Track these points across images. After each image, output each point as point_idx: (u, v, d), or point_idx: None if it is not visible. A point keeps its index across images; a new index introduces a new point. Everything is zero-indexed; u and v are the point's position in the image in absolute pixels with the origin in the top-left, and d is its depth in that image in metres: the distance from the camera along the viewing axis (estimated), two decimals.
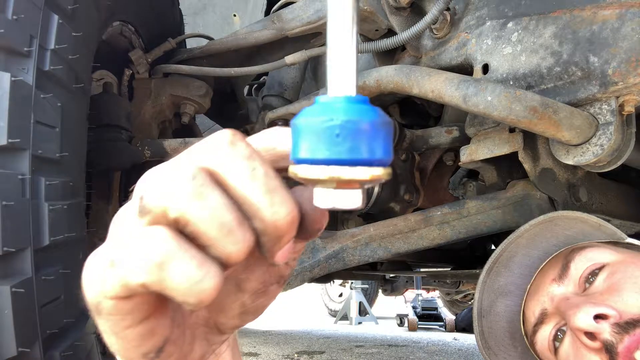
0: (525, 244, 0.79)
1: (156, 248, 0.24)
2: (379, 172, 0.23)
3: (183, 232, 0.25)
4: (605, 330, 0.59)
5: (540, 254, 0.78)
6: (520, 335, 0.75)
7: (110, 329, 0.28)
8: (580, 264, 0.68)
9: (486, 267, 0.80)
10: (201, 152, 0.27)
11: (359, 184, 0.24)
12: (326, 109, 0.23)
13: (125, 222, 0.27)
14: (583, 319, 0.60)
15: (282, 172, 0.29)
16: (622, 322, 0.59)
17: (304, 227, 0.29)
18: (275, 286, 0.35)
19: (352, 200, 0.25)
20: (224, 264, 0.26)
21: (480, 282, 0.80)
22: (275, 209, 0.26)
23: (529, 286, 0.75)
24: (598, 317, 0.60)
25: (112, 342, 0.28)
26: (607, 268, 0.66)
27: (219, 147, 0.26)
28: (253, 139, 0.29)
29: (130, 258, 0.25)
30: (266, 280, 0.34)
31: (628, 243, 0.75)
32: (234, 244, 0.25)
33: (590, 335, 0.60)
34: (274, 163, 0.29)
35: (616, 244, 0.74)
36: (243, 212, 0.26)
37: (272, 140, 0.29)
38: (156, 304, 0.27)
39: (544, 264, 0.75)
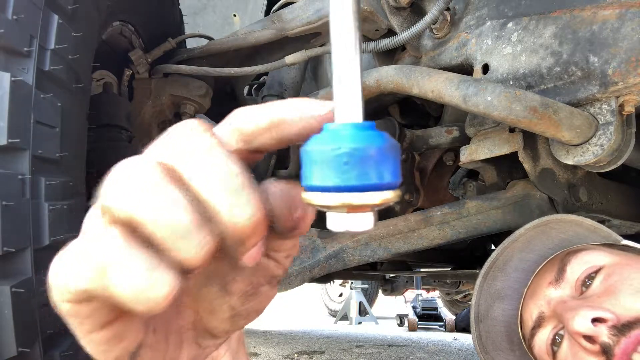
0: (520, 247, 0.79)
1: (99, 251, 0.23)
2: (389, 195, 0.23)
3: (139, 235, 0.23)
4: (603, 334, 0.60)
5: (536, 258, 0.78)
6: (518, 339, 0.75)
7: (76, 331, 0.26)
8: (577, 267, 0.69)
9: (482, 271, 0.80)
10: (162, 145, 0.25)
11: (370, 207, 0.24)
12: (334, 136, 0.24)
13: (89, 222, 0.26)
14: (581, 322, 0.61)
15: (257, 152, 0.27)
16: (619, 324, 0.60)
17: (277, 226, 0.27)
18: (267, 287, 0.32)
19: (364, 223, 0.25)
20: (182, 269, 0.23)
21: (477, 286, 0.80)
22: (235, 211, 0.23)
23: (525, 290, 0.75)
24: (596, 320, 0.60)
25: (83, 344, 0.27)
26: (603, 271, 0.66)
27: (179, 140, 0.24)
28: (221, 124, 0.27)
29: (74, 261, 0.23)
30: (255, 282, 0.32)
31: (624, 245, 0.76)
32: (190, 248, 0.23)
33: (589, 339, 0.61)
34: (247, 144, 0.26)
35: (612, 246, 0.75)
36: (204, 213, 0.23)
37: (240, 121, 0.26)
38: (119, 307, 0.24)
39: (539, 267, 0.75)
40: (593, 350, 0.61)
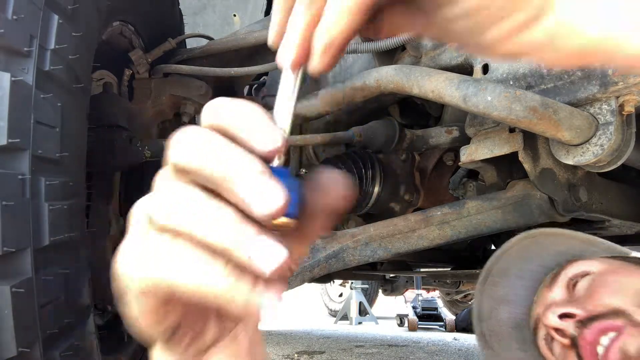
0: (516, 256, 0.86)
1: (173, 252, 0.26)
2: (284, 220, 0.27)
3: (205, 183, 0.26)
4: (570, 327, 0.68)
5: (536, 267, 0.84)
6: (530, 340, 0.80)
7: (132, 310, 0.30)
8: (570, 272, 0.75)
9: (481, 278, 0.88)
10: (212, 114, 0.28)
11: (272, 226, 0.27)
12: None
13: (160, 179, 0.29)
14: (550, 317, 0.70)
15: None
16: (585, 318, 0.67)
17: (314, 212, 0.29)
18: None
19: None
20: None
21: (477, 290, 0.87)
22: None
23: (534, 297, 0.80)
24: (565, 315, 0.68)
25: (133, 321, 0.31)
26: (591, 275, 0.72)
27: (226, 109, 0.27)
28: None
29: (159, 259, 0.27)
30: None
31: (625, 256, 0.80)
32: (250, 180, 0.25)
33: (560, 332, 0.69)
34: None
35: (614, 257, 0.78)
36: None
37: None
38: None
39: (548, 277, 0.80)
40: (564, 342, 0.69)
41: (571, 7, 0.27)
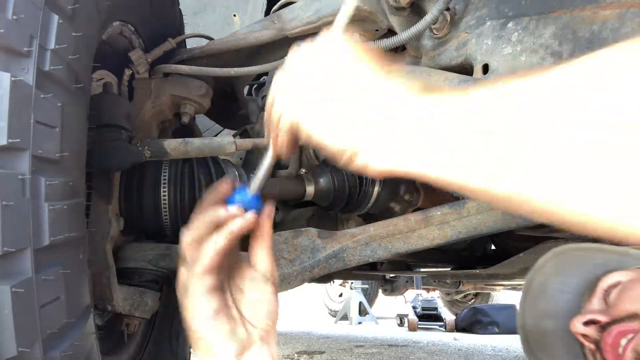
0: (554, 272, 0.93)
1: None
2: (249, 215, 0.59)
3: None
4: (593, 332, 0.74)
5: (578, 281, 0.89)
6: (578, 352, 0.85)
7: (198, 264, 0.56)
8: (605, 284, 0.80)
9: (522, 294, 0.95)
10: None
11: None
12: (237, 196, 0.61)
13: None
14: (575, 325, 0.76)
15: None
16: (606, 323, 0.72)
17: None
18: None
19: None
20: None
21: (520, 305, 0.94)
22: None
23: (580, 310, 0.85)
24: (590, 322, 0.75)
25: (197, 275, 0.57)
26: (621, 284, 0.78)
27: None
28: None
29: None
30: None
31: None
32: None
33: (587, 338, 0.75)
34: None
35: None
36: None
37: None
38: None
39: (588, 289, 0.85)
40: (590, 347, 0.75)
41: (366, 155, 0.49)
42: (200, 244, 0.57)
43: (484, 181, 0.40)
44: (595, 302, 0.79)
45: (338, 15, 0.58)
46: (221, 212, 0.57)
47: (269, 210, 0.61)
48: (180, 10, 1.43)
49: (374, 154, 0.48)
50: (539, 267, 0.94)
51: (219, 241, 0.56)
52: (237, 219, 0.57)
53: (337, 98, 0.51)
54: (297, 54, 0.57)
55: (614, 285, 0.78)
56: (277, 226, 1.51)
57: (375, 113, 0.48)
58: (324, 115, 0.51)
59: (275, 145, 0.59)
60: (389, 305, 7.00)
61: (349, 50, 0.53)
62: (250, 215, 0.58)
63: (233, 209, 0.58)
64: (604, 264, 0.86)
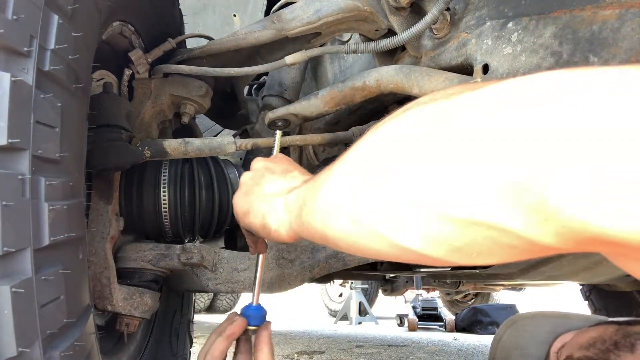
0: (511, 345, 1.07)
1: None
2: (253, 327, 0.85)
3: None
4: None
5: (536, 352, 1.02)
6: None
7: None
8: (555, 348, 0.96)
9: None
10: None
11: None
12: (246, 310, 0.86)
13: None
14: None
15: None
16: None
17: None
18: None
19: None
20: None
21: None
22: None
23: None
24: None
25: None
26: (566, 345, 0.93)
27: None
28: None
29: None
30: None
31: (598, 322, 0.99)
32: None
33: None
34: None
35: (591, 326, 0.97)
36: None
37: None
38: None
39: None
40: None
41: (308, 220, 0.55)
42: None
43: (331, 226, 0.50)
44: None
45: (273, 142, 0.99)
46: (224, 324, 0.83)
47: (268, 324, 0.85)
48: (180, 10, 1.43)
49: (277, 229, 0.65)
50: (499, 339, 1.12)
51: (218, 340, 0.79)
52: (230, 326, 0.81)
53: (253, 194, 0.71)
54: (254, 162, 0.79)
55: (562, 347, 0.94)
56: None
57: (274, 200, 0.66)
58: (248, 206, 0.71)
59: (252, 248, 0.86)
60: (389, 305, 7.00)
61: (270, 164, 0.76)
62: (239, 320, 0.82)
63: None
64: (552, 331, 1.02)
